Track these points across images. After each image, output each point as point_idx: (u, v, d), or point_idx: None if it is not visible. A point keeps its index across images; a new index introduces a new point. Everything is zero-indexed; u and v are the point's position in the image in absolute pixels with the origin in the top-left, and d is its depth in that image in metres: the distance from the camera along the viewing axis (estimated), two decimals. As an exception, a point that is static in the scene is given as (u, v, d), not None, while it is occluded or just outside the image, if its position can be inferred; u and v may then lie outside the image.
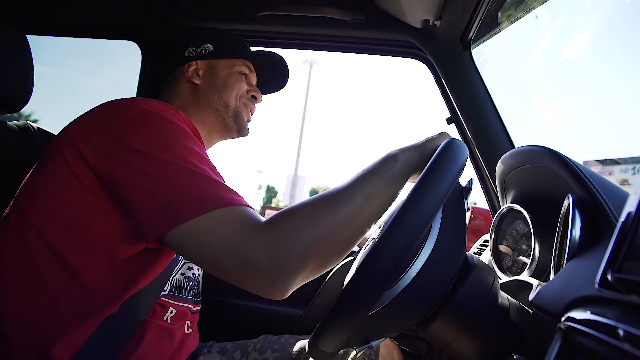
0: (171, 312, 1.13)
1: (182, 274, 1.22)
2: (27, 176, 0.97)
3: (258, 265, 0.74)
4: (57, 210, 0.89)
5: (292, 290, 0.78)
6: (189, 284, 1.22)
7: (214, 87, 1.31)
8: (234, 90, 1.32)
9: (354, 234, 0.80)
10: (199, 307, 1.29)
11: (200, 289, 1.31)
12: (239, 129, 1.34)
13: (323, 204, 0.78)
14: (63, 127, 0.98)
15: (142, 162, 0.83)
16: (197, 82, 1.30)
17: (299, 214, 0.78)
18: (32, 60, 1.28)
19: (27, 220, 0.90)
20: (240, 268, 0.76)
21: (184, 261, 1.23)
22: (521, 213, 0.99)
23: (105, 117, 0.92)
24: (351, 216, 0.78)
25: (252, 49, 1.44)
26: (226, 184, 0.86)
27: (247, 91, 1.36)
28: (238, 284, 0.78)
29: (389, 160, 0.82)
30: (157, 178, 0.82)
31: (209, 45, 1.33)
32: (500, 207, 1.10)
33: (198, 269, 1.29)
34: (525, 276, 0.89)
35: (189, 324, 1.21)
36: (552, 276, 0.74)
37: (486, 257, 1.20)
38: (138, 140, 0.86)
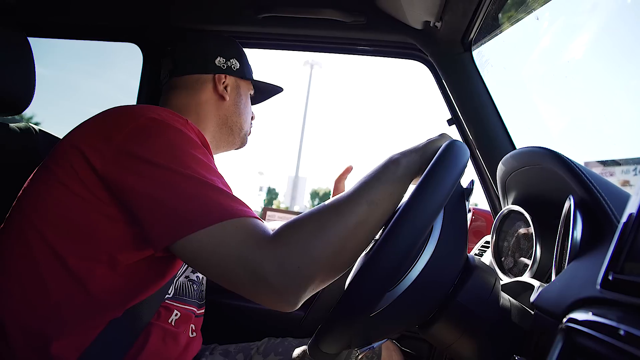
0: (176, 314, 1.12)
1: (186, 277, 1.21)
2: (30, 178, 0.97)
3: (268, 278, 0.74)
4: (61, 214, 0.89)
5: (301, 302, 0.78)
6: (192, 287, 1.21)
7: (237, 107, 1.35)
8: (249, 114, 1.41)
9: (361, 242, 0.79)
10: (203, 311, 1.29)
11: (204, 292, 1.31)
12: (240, 147, 1.43)
13: (329, 215, 0.78)
14: (65, 129, 0.98)
15: (152, 171, 0.83)
16: (226, 97, 1.31)
17: (307, 226, 0.78)
18: (33, 63, 1.28)
19: (30, 223, 0.90)
20: (250, 280, 0.75)
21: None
22: (522, 214, 0.99)
23: (112, 124, 0.91)
24: (358, 224, 0.78)
25: (252, 51, 1.45)
26: (235, 195, 0.86)
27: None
28: (248, 296, 0.78)
29: (391, 164, 0.81)
30: (167, 187, 0.82)
31: (235, 61, 1.34)
32: (501, 209, 1.10)
33: None
34: (526, 277, 0.89)
35: (193, 328, 1.20)
36: (553, 277, 0.74)
37: (487, 258, 1.20)
38: (147, 149, 0.85)
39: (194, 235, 0.77)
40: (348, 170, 1.42)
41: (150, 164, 0.84)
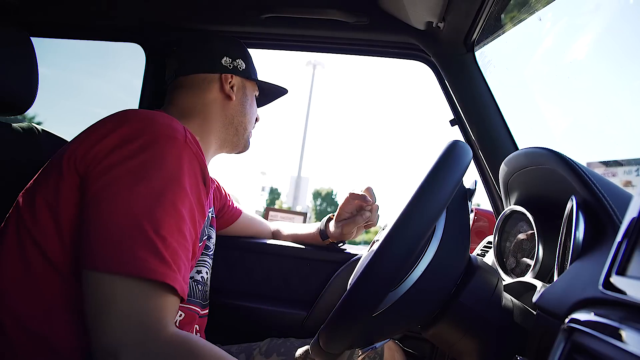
0: (180, 315, 1.12)
1: (191, 277, 1.20)
2: (32, 180, 0.97)
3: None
4: (49, 217, 0.87)
5: None
6: (197, 287, 1.21)
7: (243, 107, 1.35)
8: (254, 115, 1.41)
9: None
10: (207, 311, 1.28)
11: (207, 293, 1.30)
12: (243, 150, 1.42)
13: None
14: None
15: (111, 186, 0.82)
16: (233, 97, 1.30)
17: None
18: (36, 63, 1.28)
19: (24, 225, 0.88)
20: (106, 352, 0.73)
21: (193, 265, 1.21)
22: (525, 215, 0.99)
23: (104, 131, 0.89)
24: None
25: (255, 51, 1.44)
26: (182, 256, 0.82)
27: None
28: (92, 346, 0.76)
29: None
30: (109, 212, 0.79)
31: (241, 61, 1.34)
32: (503, 209, 1.10)
33: (207, 272, 1.27)
34: (528, 278, 0.89)
35: (197, 328, 1.20)
36: (555, 278, 0.74)
37: (490, 258, 1.20)
38: (124, 164, 0.83)
39: (98, 274, 0.76)
40: (365, 193, 1.46)
41: (115, 177, 0.82)
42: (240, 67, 1.33)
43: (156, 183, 0.82)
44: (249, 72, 1.36)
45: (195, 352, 0.75)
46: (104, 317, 0.74)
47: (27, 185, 0.96)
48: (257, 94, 1.43)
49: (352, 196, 1.46)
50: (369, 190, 1.46)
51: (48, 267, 0.86)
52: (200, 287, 1.22)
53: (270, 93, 1.53)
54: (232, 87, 1.30)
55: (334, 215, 1.54)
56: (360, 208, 1.47)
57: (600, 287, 0.44)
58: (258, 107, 1.48)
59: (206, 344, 0.78)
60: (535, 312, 0.69)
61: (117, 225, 0.78)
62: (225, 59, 1.31)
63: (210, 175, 1.28)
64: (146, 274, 0.75)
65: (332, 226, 1.52)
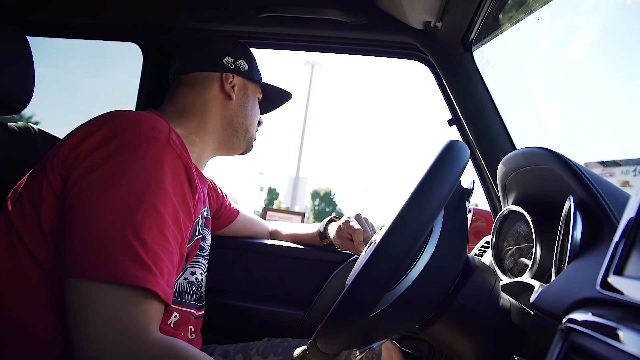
0: (175, 317, 1.11)
1: (185, 278, 1.18)
2: (21, 181, 0.96)
3: None
4: (36, 218, 0.87)
5: None
6: (192, 288, 1.20)
7: (244, 108, 1.32)
8: (256, 117, 1.38)
9: None
10: (202, 312, 1.28)
11: (203, 294, 1.29)
12: (245, 152, 1.40)
13: None
14: (65, 129, 0.96)
15: (95, 193, 0.81)
16: (233, 97, 1.29)
17: None
18: (33, 62, 1.28)
19: (13, 227, 0.88)
20: (89, 358, 0.72)
21: (186, 266, 1.22)
22: (522, 215, 0.99)
23: (84, 132, 0.89)
24: None
25: (253, 51, 1.44)
26: (165, 259, 0.81)
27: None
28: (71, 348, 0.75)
29: None
30: (87, 218, 0.79)
31: (244, 62, 1.33)
32: (501, 209, 1.10)
33: (201, 273, 1.26)
34: (526, 278, 0.89)
35: (192, 329, 1.20)
36: (553, 278, 0.74)
37: (487, 258, 1.20)
38: (103, 168, 0.83)
39: (82, 282, 0.75)
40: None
41: (94, 182, 0.81)
42: (242, 68, 1.32)
43: (135, 186, 0.82)
44: (252, 74, 1.35)
45: (181, 356, 0.75)
46: (85, 324, 0.74)
47: (16, 186, 0.95)
48: (260, 97, 1.41)
49: (345, 225, 1.46)
50: (358, 217, 1.47)
51: (37, 269, 0.86)
52: (194, 288, 1.21)
53: (274, 98, 1.51)
54: (232, 87, 1.29)
55: (336, 218, 1.54)
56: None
57: (598, 287, 0.44)
58: (262, 113, 1.46)
59: (191, 348, 0.78)
60: (532, 312, 0.69)
61: (96, 231, 0.77)
62: (227, 58, 1.30)
63: (202, 175, 1.28)
64: (126, 279, 0.74)
65: (332, 231, 1.52)
